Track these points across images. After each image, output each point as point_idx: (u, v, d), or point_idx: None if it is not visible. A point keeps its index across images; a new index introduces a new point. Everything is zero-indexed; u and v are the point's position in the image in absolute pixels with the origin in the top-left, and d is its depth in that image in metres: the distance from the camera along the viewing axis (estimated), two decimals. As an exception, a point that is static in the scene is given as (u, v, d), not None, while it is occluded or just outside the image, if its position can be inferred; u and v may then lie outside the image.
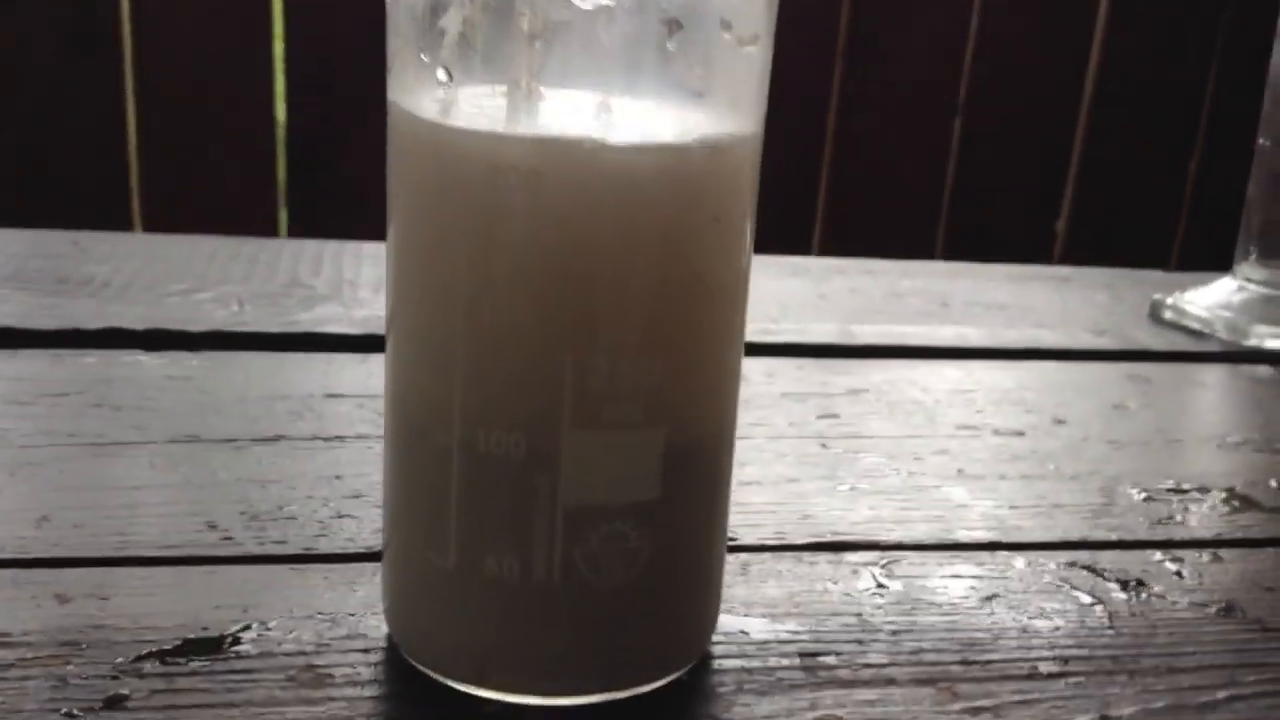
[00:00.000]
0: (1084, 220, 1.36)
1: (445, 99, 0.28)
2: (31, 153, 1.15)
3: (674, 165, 0.28)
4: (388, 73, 0.30)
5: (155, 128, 1.17)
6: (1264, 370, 0.64)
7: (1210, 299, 0.71)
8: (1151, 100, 1.35)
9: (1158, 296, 0.72)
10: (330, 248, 0.71)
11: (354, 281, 0.65)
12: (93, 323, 0.55)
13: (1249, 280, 0.71)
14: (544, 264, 0.28)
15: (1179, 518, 0.45)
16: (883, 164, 1.32)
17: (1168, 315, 0.71)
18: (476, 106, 0.28)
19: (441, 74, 0.28)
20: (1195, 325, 0.69)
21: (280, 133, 1.22)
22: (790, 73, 1.24)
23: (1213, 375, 0.63)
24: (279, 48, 1.20)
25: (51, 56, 1.13)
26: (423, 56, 0.29)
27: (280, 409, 0.49)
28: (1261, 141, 0.71)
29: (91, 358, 0.52)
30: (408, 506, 0.31)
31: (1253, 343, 0.67)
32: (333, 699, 0.31)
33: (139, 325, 0.55)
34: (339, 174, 1.18)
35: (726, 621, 0.36)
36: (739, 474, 0.45)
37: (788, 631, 0.36)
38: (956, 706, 0.33)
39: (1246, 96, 0.85)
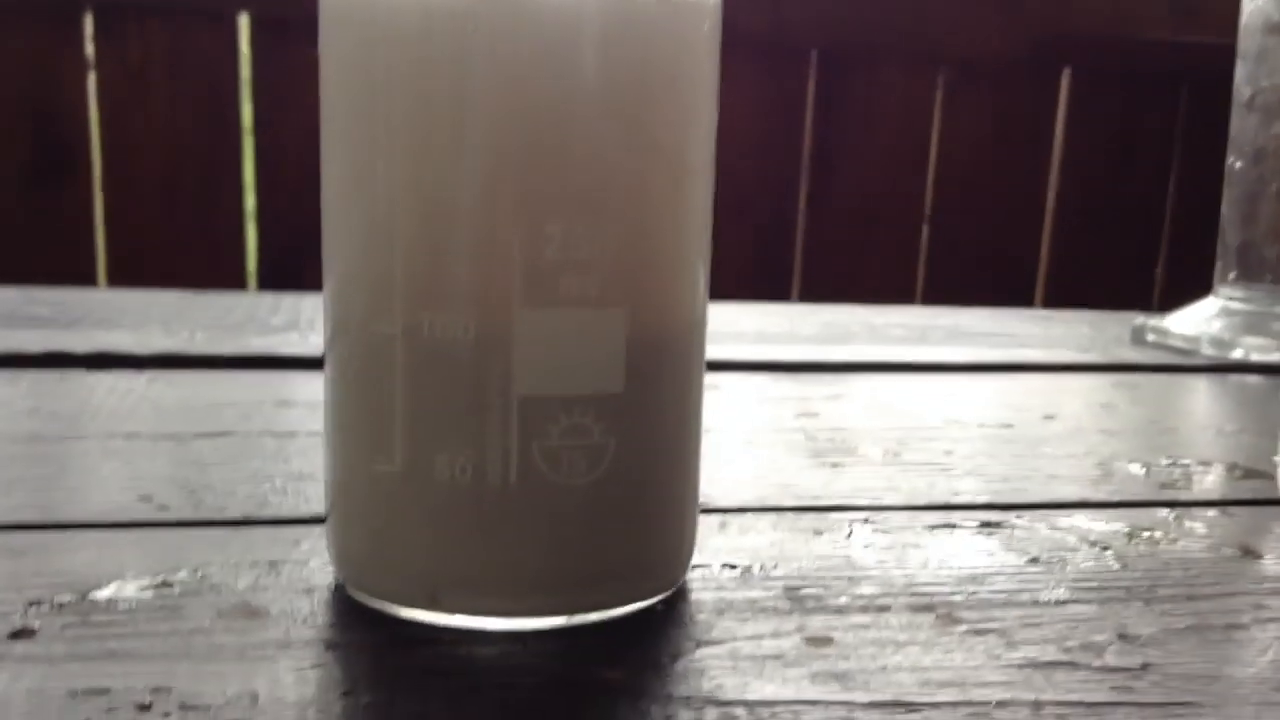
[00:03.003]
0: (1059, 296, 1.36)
1: (379, -48, 0.27)
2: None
3: (622, 12, 0.26)
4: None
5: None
6: (1254, 379, 0.62)
7: (1193, 320, 0.69)
8: (1117, 181, 1.36)
9: (1140, 321, 0.70)
10: (290, 298, 0.68)
11: (313, 320, 0.62)
12: (34, 348, 0.53)
13: (1231, 299, 0.70)
14: (486, 123, 0.26)
15: (1183, 484, 0.43)
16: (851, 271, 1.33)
17: (1150, 338, 0.69)
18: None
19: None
20: (1180, 344, 0.67)
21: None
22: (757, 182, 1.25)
23: (1202, 383, 0.61)
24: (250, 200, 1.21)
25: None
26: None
27: (229, 413, 0.46)
28: (1231, 161, 0.70)
29: (30, 376, 0.50)
30: (350, 413, 0.29)
31: (1238, 355, 0.65)
32: (266, 630, 0.28)
33: (82, 349, 0.53)
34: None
35: (704, 565, 0.33)
36: (712, 453, 0.43)
37: (771, 568, 0.33)
38: (960, 629, 0.30)
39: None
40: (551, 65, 0.26)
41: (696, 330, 0.30)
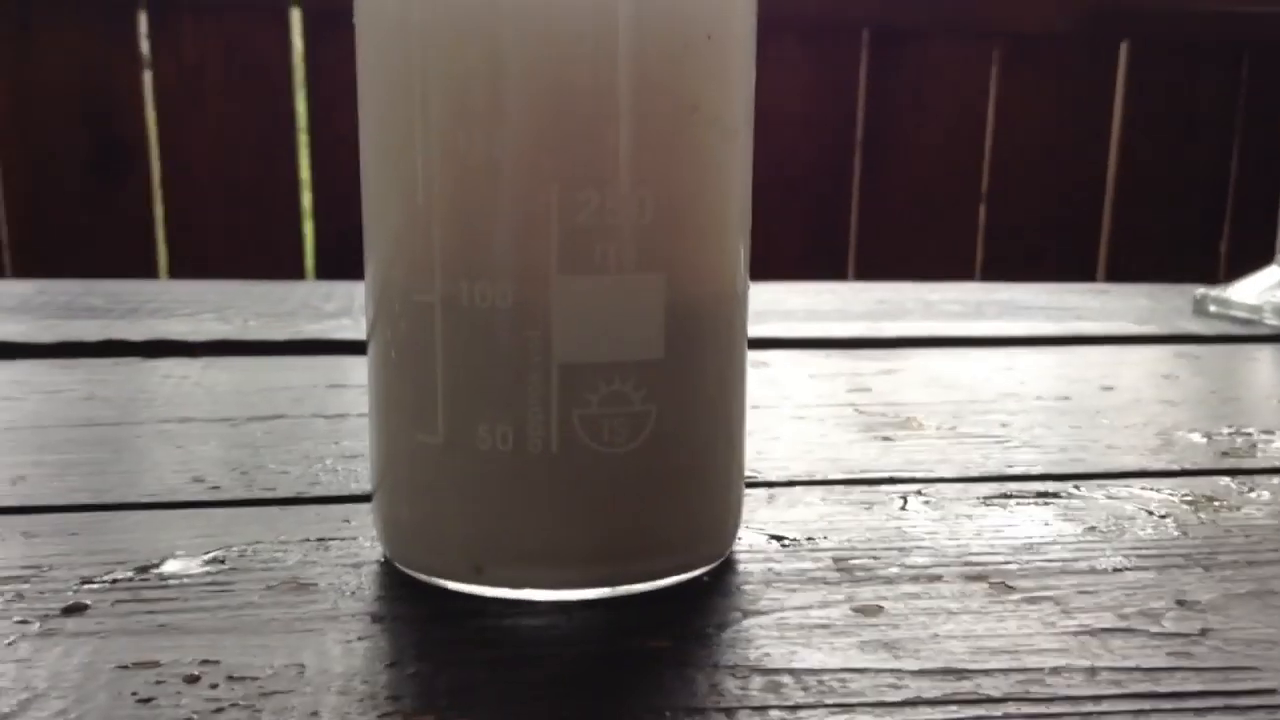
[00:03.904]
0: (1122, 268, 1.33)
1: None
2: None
3: (657, -30, 0.26)
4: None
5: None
6: (1322, 348, 0.61)
7: (1255, 288, 0.67)
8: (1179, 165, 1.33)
9: (1201, 291, 0.69)
10: (343, 286, 0.69)
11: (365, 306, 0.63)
12: (91, 337, 0.53)
13: (1296, 267, 0.68)
14: (522, 89, 0.26)
15: (1245, 452, 0.42)
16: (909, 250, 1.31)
17: (1212, 309, 0.67)
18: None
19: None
20: (1242, 314, 0.66)
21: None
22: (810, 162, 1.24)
23: (1265, 353, 0.60)
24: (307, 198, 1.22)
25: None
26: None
27: (281, 397, 0.46)
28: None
29: (87, 364, 0.50)
30: (393, 386, 0.29)
31: (1307, 324, 0.63)
32: (314, 603, 0.28)
33: (138, 337, 0.53)
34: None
35: (751, 537, 0.33)
36: (760, 428, 0.42)
37: (820, 539, 0.33)
38: (1013, 597, 0.29)
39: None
40: (587, 29, 0.26)
41: (738, 296, 0.29)
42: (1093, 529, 0.34)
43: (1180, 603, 0.29)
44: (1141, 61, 1.31)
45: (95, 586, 0.29)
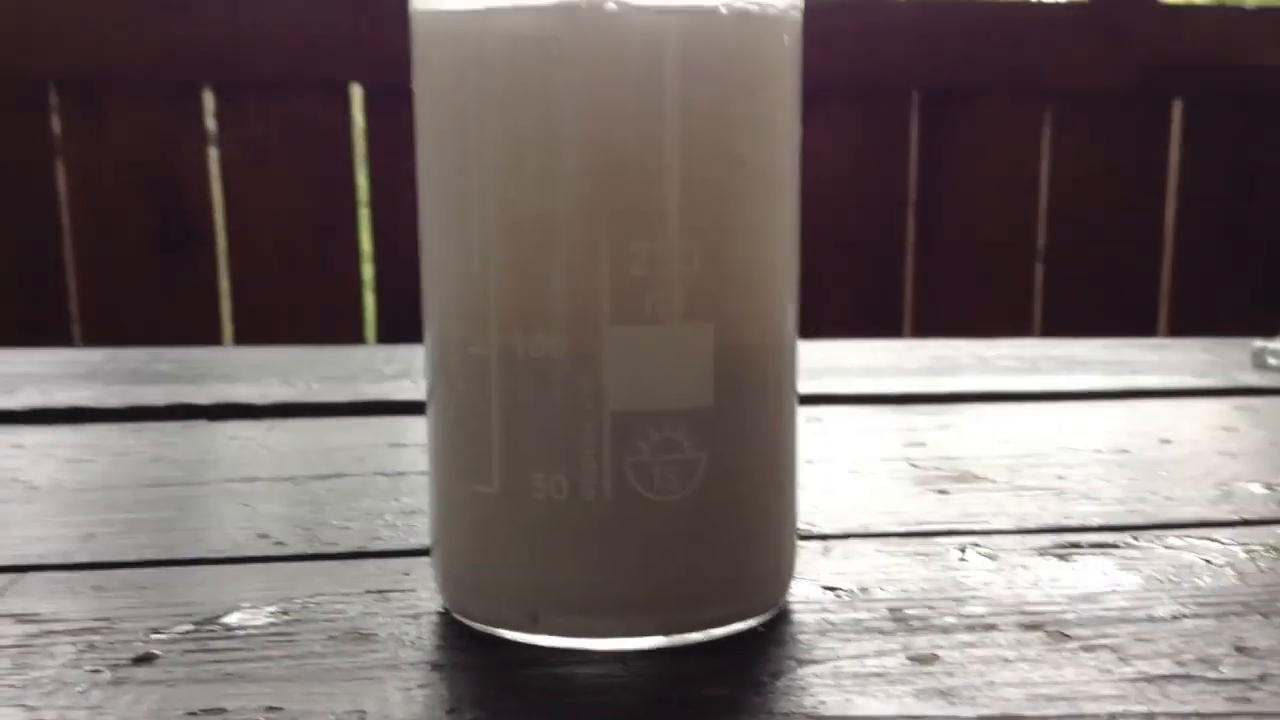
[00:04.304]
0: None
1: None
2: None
3: (702, 29, 0.27)
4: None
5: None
6: (1387, 399, 0.60)
7: (1318, 341, 0.67)
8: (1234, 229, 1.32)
9: (1260, 344, 0.68)
10: (403, 349, 0.70)
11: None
12: (159, 401, 0.55)
13: (1358, 319, 0.67)
14: (573, 145, 0.27)
15: (1307, 502, 0.41)
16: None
17: (1271, 361, 0.67)
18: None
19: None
20: (1306, 367, 0.65)
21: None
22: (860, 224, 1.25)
23: (1331, 405, 0.59)
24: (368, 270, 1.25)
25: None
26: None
27: (343, 456, 0.47)
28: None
29: (155, 427, 0.52)
30: (450, 438, 0.29)
31: (1371, 376, 0.62)
32: (375, 652, 0.29)
33: (205, 401, 0.55)
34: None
35: (805, 588, 0.33)
36: (814, 482, 0.43)
37: (875, 590, 0.33)
38: (1071, 645, 0.29)
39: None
40: (634, 84, 0.26)
41: (786, 346, 0.30)
42: (1151, 578, 0.34)
43: (1239, 649, 0.29)
44: (1196, 118, 1.30)
45: (164, 637, 0.29)
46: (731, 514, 0.29)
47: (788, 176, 0.29)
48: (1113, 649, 0.29)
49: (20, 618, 0.31)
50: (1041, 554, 0.36)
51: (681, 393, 0.28)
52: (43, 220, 1.18)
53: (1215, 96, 1.31)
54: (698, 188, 0.27)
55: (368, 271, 1.29)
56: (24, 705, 0.26)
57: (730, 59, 0.27)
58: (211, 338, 1.23)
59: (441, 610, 0.31)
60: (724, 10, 0.27)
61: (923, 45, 1.26)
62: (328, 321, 1.24)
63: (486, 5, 0.27)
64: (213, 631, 0.30)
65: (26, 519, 0.39)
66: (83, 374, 0.62)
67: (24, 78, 1.16)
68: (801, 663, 0.28)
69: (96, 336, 1.20)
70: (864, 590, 0.33)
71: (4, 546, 0.36)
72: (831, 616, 0.31)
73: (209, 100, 1.20)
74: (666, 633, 0.29)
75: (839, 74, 1.22)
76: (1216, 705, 0.26)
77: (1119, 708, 0.26)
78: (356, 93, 1.24)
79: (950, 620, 0.31)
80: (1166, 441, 0.50)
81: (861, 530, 0.38)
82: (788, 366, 0.30)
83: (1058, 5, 1.33)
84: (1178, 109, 1.32)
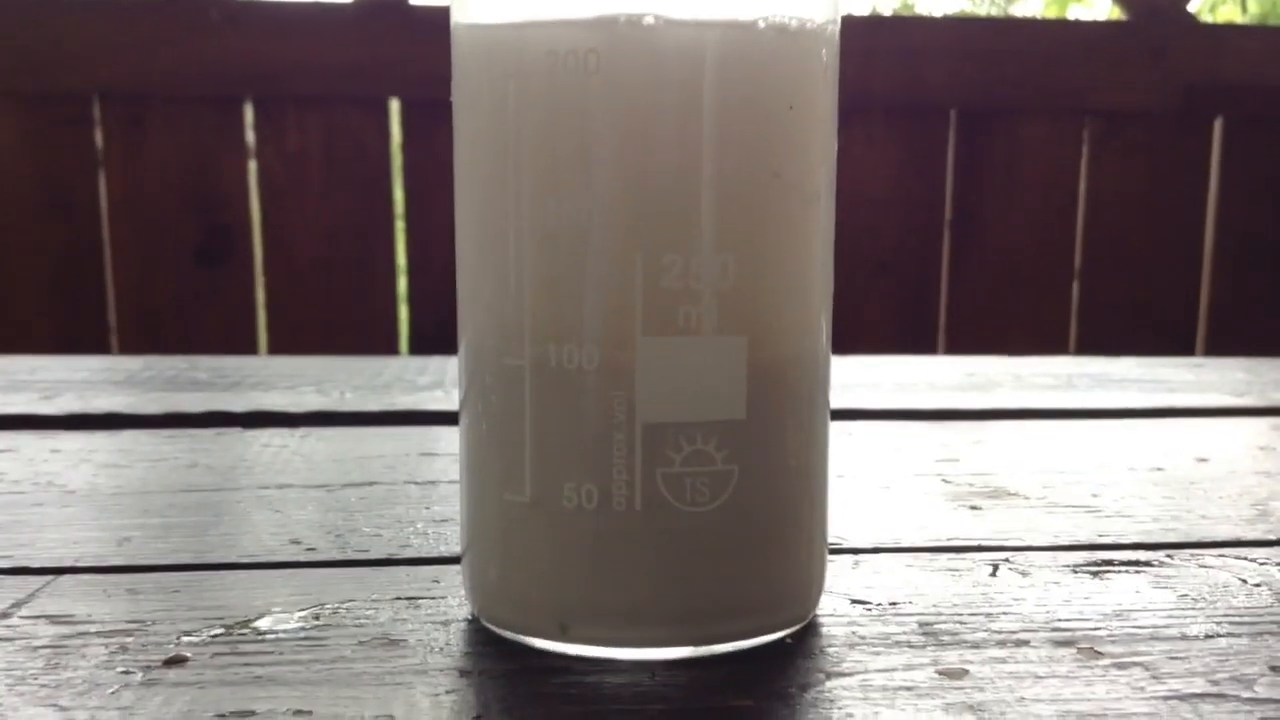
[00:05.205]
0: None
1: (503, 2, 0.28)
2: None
3: (739, 43, 0.27)
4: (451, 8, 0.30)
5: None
6: None
7: (1360, 362, 0.66)
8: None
9: (1301, 365, 0.67)
10: (436, 360, 0.71)
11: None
12: (195, 409, 0.55)
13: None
14: (608, 157, 0.27)
15: (1346, 523, 0.41)
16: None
17: (1315, 382, 0.66)
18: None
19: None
20: (1346, 387, 0.64)
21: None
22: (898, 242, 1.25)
23: (1371, 426, 0.58)
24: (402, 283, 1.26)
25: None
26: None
27: (375, 465, 0.47)
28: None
29: (191, 434, 0.52)
30: (483, 447, 0.30)
31: None
32: (404, 658, 0.29)
33: (240, 409, 0.55)
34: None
35: (834, 602, 0.33)
36: (845, 496, 0.42)
37: (905, 604, 0.33)
38: (1103, 662, 0.29)
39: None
40: (671, 98, 0.27)
41: (819, 359, 0.30)
42: (1185, 596, 0.33)
43: (1274, 668, 0.29)
44: (1237, 137, 1.29)
45: (195, 640, 0.30)
46: (762, 527, 0.29)
47: (823, 191, 0.29)
48: (1145, 666, 0.29)
49: (54, 619, 0.31)
50: (1074, 571, 0.36)
51: (714, 405, 0.28)
52: (85, 232, 1.19)
53: (1256, 116, 1.30)
54: (733, 201, 0.27)
55: (402, 284, 1.30)
56: (56, 705, 0.26)
57: (767, 74, 0.27)
58: (247, 349, 1.24)
59: (470, 617, 0.31)
60: (762, 25, 0.27)
61: (961, 64, 1.25)
62: (362, 333, 1.25)
63: (525, 19, 0.27)
64: (244, 635, 0.30)
65: (63, 522, 0.40)
66: (121, 381, 0.63)
67: (68, 92, 1.17)
68: (830, 675, 0.28)
69: (134, 346, 1.21)
70: (894, 604, 0.33)
71: (40, 549, 0.37)
72: (860, 629, 0.31)
73: (249, 113, 1.22)
74: (695, 644, 0.29)
75: (877, 91, 1.22)
76: (1250, 725, 0.26)
77: (1151, 726, 0.26)
78: (394, 107, 1.25)
79: (981, 635, 0.31)
80: (1202, 460, 0.50)
81: (893, 544, 0.38)
82: (821, 380, 0.30)
83: (1097, 24, 1.32)
84: (1218, 128, 1.31)
